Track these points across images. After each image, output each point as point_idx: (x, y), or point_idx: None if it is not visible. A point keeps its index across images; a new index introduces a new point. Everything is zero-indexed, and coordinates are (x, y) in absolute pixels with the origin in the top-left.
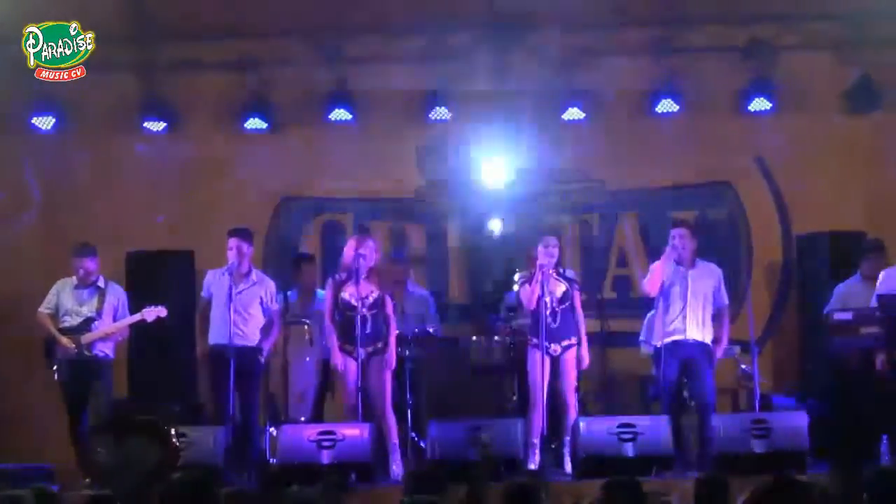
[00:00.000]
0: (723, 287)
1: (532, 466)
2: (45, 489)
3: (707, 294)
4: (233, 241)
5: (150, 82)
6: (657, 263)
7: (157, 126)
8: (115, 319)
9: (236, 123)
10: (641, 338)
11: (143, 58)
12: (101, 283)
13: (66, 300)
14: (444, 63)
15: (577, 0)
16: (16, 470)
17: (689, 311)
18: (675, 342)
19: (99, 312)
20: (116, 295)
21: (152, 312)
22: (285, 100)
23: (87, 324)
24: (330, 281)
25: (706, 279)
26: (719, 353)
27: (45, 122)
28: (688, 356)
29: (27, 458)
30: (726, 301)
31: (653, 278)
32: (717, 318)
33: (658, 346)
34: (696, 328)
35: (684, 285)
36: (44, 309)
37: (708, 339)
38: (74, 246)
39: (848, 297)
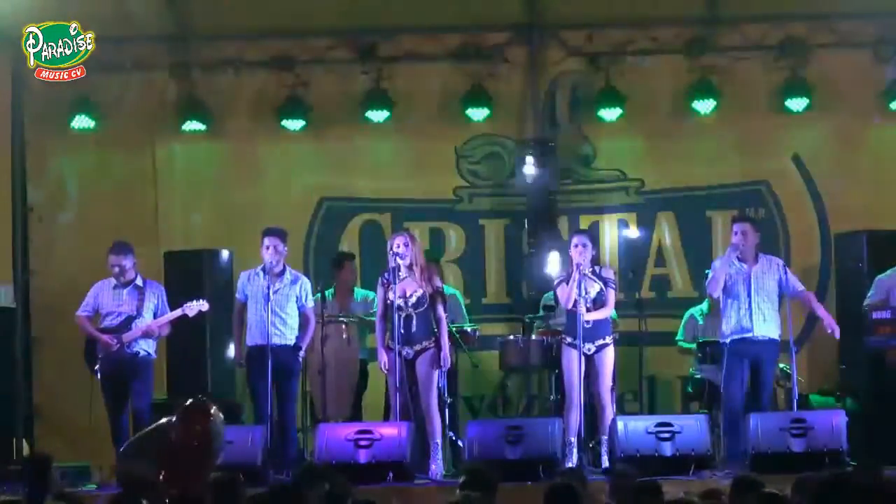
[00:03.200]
0: (791, 276)
1: (569, 465)
2: (69, 494)
3: (772, 289)
4: (268, 241)
5: (187, 82)
6: (717, 262)
7: (195, 126)
8: (155, 317)
9: (274, 123)
10: (678, 337)
11: (181, 58)
12: (139, 282)
13: (105, 301)
14: (479, 62)
15: None
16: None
17: (755, 308)
18: (742, 339)
19: (139, 310)
20: (156, 292)
21: (194, 307)
22: (322, 100)
23: (128, 323)
24: (379, 281)
25: (770, 273)
26: (834, 332)
27: (83, 123)
28: (756, 354)
29: (67, 457)
30: (802, 286)
31: (715, 279)
32: (807, 305)
33: (725, 342)
34: (763, 324)
35: (748, 282)
36: (81, 312)
37: (775, 335)
38: (112, 245)
39: (891, 288)
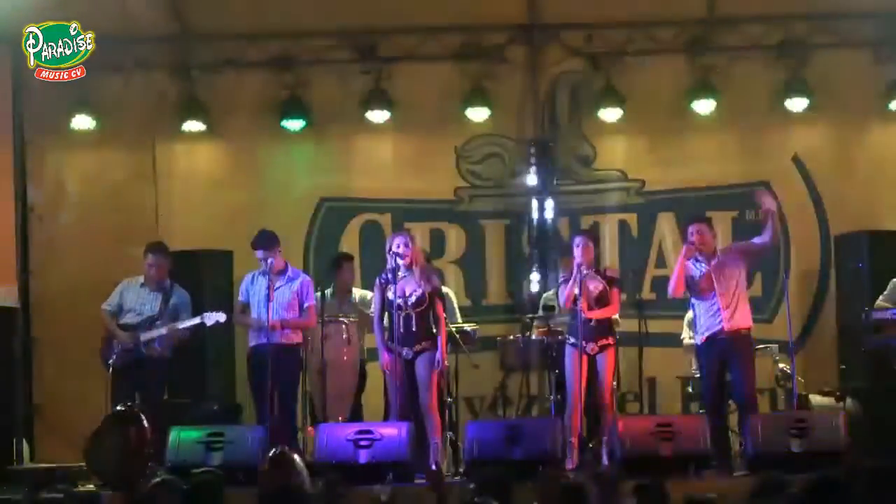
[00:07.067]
0: (742, 242)
1: (570, 466)
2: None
3: (737, 275)
4: (259, 254)
5: (187, 82)
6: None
7: (195, 126)
8: (175, 321)
9: (274, 123)
10: (683, 336)
11: (181, 58)
12: (166, 285)
13: (130, 299)
14: (479, 62)
15: None
16: (52, 469)
17: (722, 303)
18: (713, 337)
19: (161, 312)
20: (180, 297)
21: (212, 317)
22: (322, 100)
23: (148, 323)
24: (377, 281)
25: (729, 262)
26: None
27: (84, 123)
28: (727, 350)
29: (67, 457)
30: (747, 242)
31: (673, 279)
32: (755, 247)
33: (698, 343)
34: (731, 319)
35: (710, 279)
36: (105, 306)
37: (745, 326)
38: (148, 243)
39: None
